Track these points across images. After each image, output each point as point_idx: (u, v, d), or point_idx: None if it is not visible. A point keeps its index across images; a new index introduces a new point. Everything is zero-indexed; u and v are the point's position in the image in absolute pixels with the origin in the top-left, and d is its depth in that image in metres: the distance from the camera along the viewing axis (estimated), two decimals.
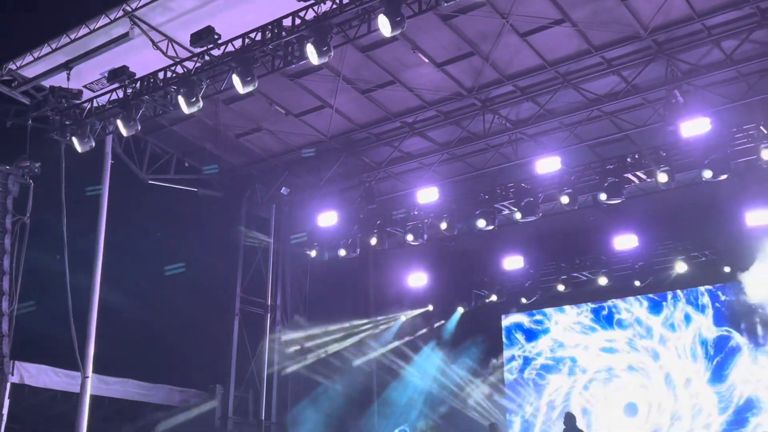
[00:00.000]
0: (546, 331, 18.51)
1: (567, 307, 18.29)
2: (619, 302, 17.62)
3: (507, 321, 19.08)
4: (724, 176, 13.70)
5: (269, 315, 17.24)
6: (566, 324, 18.26)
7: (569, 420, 13.99)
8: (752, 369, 15.76)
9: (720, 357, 16.19)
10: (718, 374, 16.11)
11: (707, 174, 13.76)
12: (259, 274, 17.36)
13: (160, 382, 15.64)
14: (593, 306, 17.95)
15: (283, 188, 17.42)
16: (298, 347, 17.32)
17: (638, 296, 17.35)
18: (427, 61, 13.54)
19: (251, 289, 17.14)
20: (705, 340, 16.41)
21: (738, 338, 16.06)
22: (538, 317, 18.72)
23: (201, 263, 16.00)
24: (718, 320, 16.36)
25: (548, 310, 18.58)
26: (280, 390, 16.88)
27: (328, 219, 17.06)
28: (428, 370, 19.00)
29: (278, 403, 16.76)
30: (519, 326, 18.92)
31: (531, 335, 18.72)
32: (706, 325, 16.48)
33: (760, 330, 15.76)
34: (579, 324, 18.06)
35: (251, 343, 16.74)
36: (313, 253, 17.53)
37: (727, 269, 16.11)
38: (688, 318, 16.74)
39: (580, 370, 17.77)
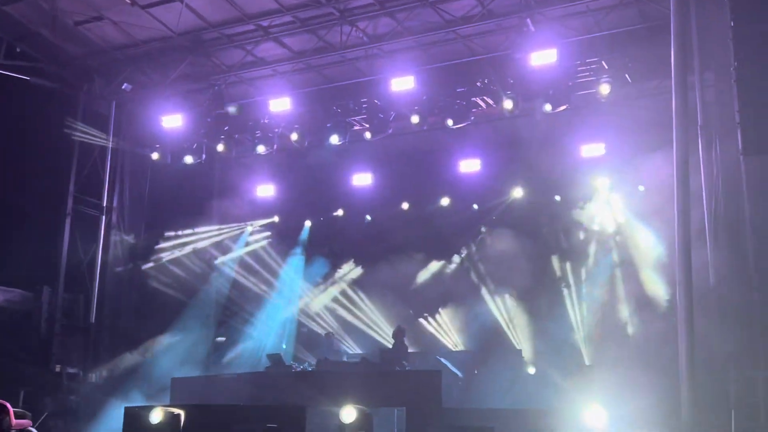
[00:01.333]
0: None
1: None
2: None
3: None
4: (563, 107, 14.31)
5: (105, 217, 16.47)
6: None
7: (398, 333, 14.58)
8: None
9: None
10: None
11: (547, 107, 14.31)
12: (95, 174, 16.46)
13: None
14: None
15: (125, 84, 16.43)
16: (134, 251, 16.73)
17: None
18: None
19: (86, 189, 16.25)
20: None
21: None
22: None
23: (31, 158, 14.96)
24: None
25: None
26: (113, 294, 16.31)
27: (173, 121, 16.35)
28: (272, 279, 19.00)
29: (110, 308, 16.21)
30: None
31: None
32: None
33: None
34: None
35: (84, 244, 15.99)
36: (155, 156, 16.77)
37: (557, 198, 16.98)
38: None
39: None
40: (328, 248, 19.01)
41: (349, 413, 8.93)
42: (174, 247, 17.45)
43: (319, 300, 18.74)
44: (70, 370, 15.32)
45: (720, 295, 11.35)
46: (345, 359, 15.11)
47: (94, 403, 14.44)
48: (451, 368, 13.92)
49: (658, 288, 14.44)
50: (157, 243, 17.14)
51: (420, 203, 18.23)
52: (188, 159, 16.71)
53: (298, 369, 14.01)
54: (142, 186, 17.31)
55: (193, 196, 17.90)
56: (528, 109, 15.01)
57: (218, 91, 16.12)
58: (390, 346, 14.62)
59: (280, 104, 15.86)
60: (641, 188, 15.80)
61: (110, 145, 16.72)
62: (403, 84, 14.97)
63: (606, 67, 13.99)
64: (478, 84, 14.98)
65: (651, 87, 14.83)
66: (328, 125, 16.05)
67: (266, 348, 17.24)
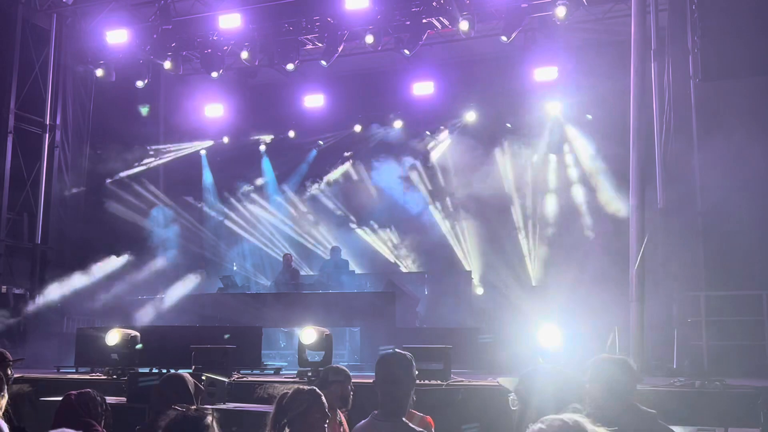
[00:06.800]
0: None
1: None
2: None
3: None
4: (516, 32, 14.20)
5: (48, 135, 15.92)
6: None
7: (335, 251, 14.98)
8: None
9: None
10: None
11: (503, 38, 14.17)
12: (36, 90, 15.78)
13: None
14: None
15: None
16: (80, 170, 16.29)
17: None
18: None
19: (27, 106, 15.59)
20: None
21: None
22: None
23: None
24: None
25: None
26: (59, 213, 15.92)
27: (117, 36, 15.73)
28: (223, 200, 18.87)
29: (56, 227, 15.84)
30: None
31: None
32: None
33: None
34: None
35: (27, 163, 15.47)
36: (99, 72, 16.13)
37: (508, 125, 17.04)
38: None
39: None
40: (285, 171, 18.96)
41: (308, 334, 9.03)
42: (122, 166, 17.03)
43: (276, 222, 18.76)
44: (17, 291, 15.05)
45: (666, 219, 11.70)
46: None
47: (44, 324, 14.29)
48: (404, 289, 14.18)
49: (607, 211, 14.83)
50: (105, 162, 16.69)
51: (372, 126, 18.18)
52: (139, 83, 16.24)
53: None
54: (86, 103, 16.72)
55: (138, 114, 17.40)
56: (483, 30, 14.88)
57: (164, 5, 15.48)
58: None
59: (230, 21, 15.35)
60: (589, 117, 15.98)
61: (51, 60, 15.99)
62: (357, 2, 14.61)
63: None
64: (434, 4, 14.71)
65: (605, 10, 14.86)
66: (279, 44, 15.64)
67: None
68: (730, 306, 10.83)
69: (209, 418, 2.84)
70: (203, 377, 7.63)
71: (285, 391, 4.25)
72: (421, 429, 3.85)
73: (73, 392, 4.89)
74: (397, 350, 3.98)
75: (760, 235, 10.97)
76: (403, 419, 3.87)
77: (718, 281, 11.12)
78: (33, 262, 15.35)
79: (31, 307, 14.74)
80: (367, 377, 10.05)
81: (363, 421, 3.97)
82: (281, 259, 15.98)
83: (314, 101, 17.82)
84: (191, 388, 4.31)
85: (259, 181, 18.96)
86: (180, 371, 5.27)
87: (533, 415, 3.77)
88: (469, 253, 17.23)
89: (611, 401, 3.90)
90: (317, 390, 4.24)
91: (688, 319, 10.09)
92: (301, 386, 4.24)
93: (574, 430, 1.92)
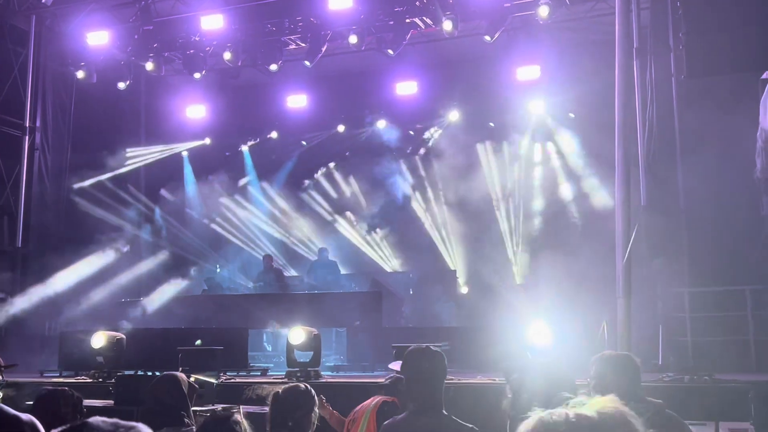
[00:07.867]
0: None
1: None
2: None
3: None
4: (499, 32, 14.24)
5: (28, 137, 15.73)
6: None
7: (322, 252, 14.86)
8: None
9: None
10: None
11: (487, 38, 14.20)
12: (15, 92, 15.58)
13: None
14: None
15: None
16: (60, 173, 16.12)
17: None
18: None
19: (6, 109, 15.39)
20: None
21: None
22: None
23: None
24: None
25: None
26: (40, 216, 15.73)
27: (98, 38, 15.59)
28: (206, 202, 18.75)
29: (37, 231, 15.65)
30: None
31: None
32: None
33: None
34: None
35: (7, 166, 15.29)
36: (80, 74, 15.99)
37: (491, 124, 17.09)
38: None
39: None
40: (263, 170, 18.85)
41: (297, 334, 9.00)
42: (104, 168, 16.87)
43: (256, 223, 18.66)
44: None
45: (650, 216, 11.78)
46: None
47: (26, 328, 14.12)
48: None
49: (591, 208, 14.91)
50: (86, 163, 16.52)
51: (355, 126, 18.16)
52: (121, 85, 16.16)
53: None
54: (66, 105, 16.54)
55: (119, 116, 17.27)
56: (466, 30, 14.90)
57: (145, 6, 15.37)
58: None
59: (212, 21, 15.25)
60: (572, 115, 16.08)
61: (30, 62, 15.80)
62: (340, 2, 14.58)
63: None
64: (417, 3, 14.72)
65: (587, 9, 14.94)
66: (262, 43, 15.59)
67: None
68: (714, 302, 10.93)
69: (237, 416, 2.86)
70: (192, 378, 7.56)
71: (277, 390, 4.23)
72: (470, 425, 3.85)
73: (47, 388, 4.85)
74: (429, 346, 4.00)
75: (743, 232, 11.08)
76: (445, 412, 3.87)
77: (701, 278, 11.21)
78: (14, 266, 15.15)
79: (12, 311, 14.54)
80: (355, 377, 10.06)
81: (398, 416, 3.98)
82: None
83: (297, 101, 17.79)
84: (185, 387, 4.28)
85: (241, 182, 18.89)
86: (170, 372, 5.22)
87: (524, 406, 3.79)
88: (453, 252, 17.26)
89: (618, 396, 3.90)
90: (309, 386, 4.25)
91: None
92: (297, 384, 4.22)
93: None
